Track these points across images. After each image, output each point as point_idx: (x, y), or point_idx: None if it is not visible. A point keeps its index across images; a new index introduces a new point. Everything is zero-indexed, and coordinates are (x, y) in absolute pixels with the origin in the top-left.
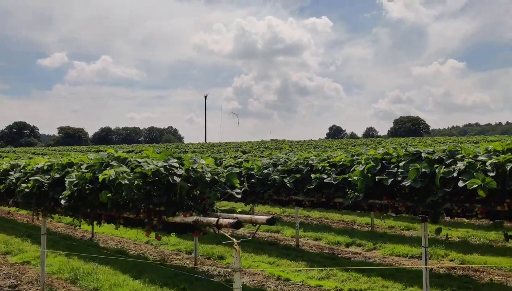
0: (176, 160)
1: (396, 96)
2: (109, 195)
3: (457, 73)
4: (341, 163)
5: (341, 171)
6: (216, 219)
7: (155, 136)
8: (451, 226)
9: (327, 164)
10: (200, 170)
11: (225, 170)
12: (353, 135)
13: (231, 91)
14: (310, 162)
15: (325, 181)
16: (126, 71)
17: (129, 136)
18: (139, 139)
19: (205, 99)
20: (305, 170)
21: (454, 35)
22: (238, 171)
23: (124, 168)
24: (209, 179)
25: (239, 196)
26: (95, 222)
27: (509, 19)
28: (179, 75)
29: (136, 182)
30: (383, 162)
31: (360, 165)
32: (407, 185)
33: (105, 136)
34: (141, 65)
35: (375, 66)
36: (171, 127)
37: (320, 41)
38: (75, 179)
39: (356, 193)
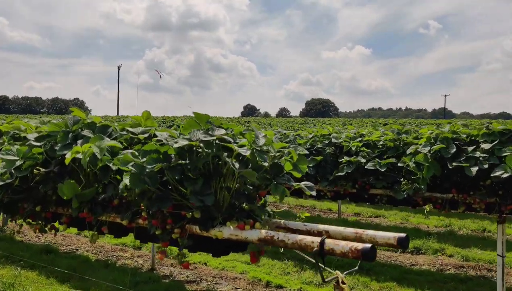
0: (224, 131)
1: (306, 79)
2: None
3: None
4: (380, 142)
5: (380, 154)
6: (316, 240)
7: (60, 107)
8: None
9: (361, 144)
10: (265, 149)
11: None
12: (266, 115)
13: (143, 65)
14: (334, 140)
15: (366, 166)
16: (25, 36)
17: (30, 106)
18: (42, 110)
19: (119, 70)
20: (328, 151)
21: (362, 23)
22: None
23: (114, 143)
24: (270, 165)
25: (314, 193)
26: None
27: (411, 11)
28: (85, 45)
29: (150, 169)
30: (456, 143)
31: (423, 146)
32: (503, 176)
33: (1, 106)
34: (42, 30)
35: (287, 47)
36: (77, 99)
37: (236, 18)
38: (16, 158)
39: (416, 184)
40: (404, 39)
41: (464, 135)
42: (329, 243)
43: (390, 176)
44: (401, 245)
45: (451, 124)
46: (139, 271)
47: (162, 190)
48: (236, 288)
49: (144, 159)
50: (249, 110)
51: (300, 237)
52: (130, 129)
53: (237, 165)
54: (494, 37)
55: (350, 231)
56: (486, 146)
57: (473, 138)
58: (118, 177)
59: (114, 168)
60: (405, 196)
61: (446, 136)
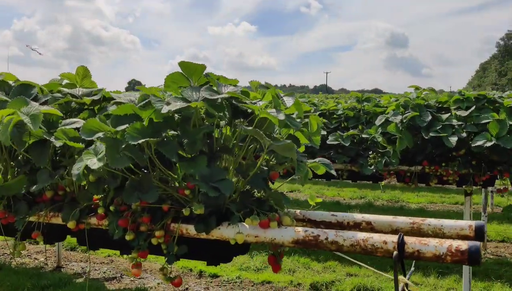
0: (233, 87)
1: (193, 54)
2: None
3: (249, 36)
4: (339, 112)
5: (338, 124)
6: (390, 239)
7: None
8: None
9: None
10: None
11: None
12: None
13: (10, 35)
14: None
15: (328, 141)
16: None
17: None
18: None
19: None
20: None
21: None
22: None
23: (51, 109)
24: (288, 136)
25: (334, 172)
26: None
27: None
28: None
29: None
30: (428, 110)
31: (393, 115)
32: (487, 145)
33: None
34: None
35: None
36: None
37: None
38: None
39: (387, 158)
40: (287, 17)
41: (433, 102)
42: (413, 243)
43: (352, 149)
44: (478, 235)
45: (418, 90)
46: (42, 271)
47: (136, 174)
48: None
49: (120, 128)
50: (134, 86)
51: (361, 235)
52: (67, 90)
53: (266, 141)
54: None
55: (403, 220)
56: (463, 113)
57: (443, 105)
58: (60, 159)
59: (58, 144)
60: (373, 171)
61: (419, 103)
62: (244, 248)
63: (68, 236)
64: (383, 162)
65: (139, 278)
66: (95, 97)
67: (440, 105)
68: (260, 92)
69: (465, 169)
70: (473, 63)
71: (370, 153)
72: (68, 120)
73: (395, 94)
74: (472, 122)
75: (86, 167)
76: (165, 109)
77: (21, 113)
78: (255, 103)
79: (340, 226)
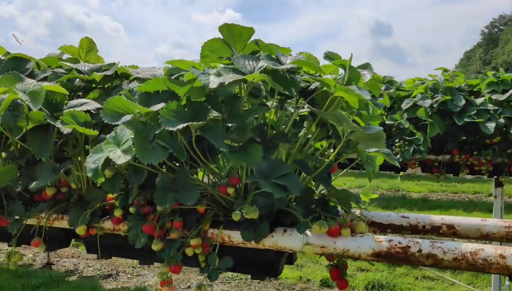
0: (297, 56)
1: (178, 41)
2: None
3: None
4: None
5: None
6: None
7: None
8: None
9: None
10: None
11: None
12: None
13: None
14: None
15: None
16: None
17: None
18: None
19: None
20: None
21: None
22: None
23: (54, 86)
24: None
25: (397, 163)
26: None
27: None
28: None
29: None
30: (461, 94)
31: (421, 98)
32: None
33: None
34: None
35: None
36: None
37: None
38: None
39: (414, 146)
40: (271, 5)
41: (464, 86)
42: None
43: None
44: None
45: (447, 72)
46: (32, 268)
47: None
48: None
49: (155, 108)
50: None
51: (467, 247)
52: (72, 65)
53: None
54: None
55: (495, 224)
56: (499, 97)
57: (473, 89)
58: (63, 149)
59: (66, 130)
60: (400, 160)
61: (450, 86)
62: (291, 257)
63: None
64: (411, 150)
65: (137, 276)
66: (108, 73)
67: (470, 89)
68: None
69: (501, 157)
70: (457, 51)
71: (396, 141)
72: (75, 101)
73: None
74: (510, 107)
75: (106, 161)
76: (213, 83)
77: (17, 90)
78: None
79: (413, 230)
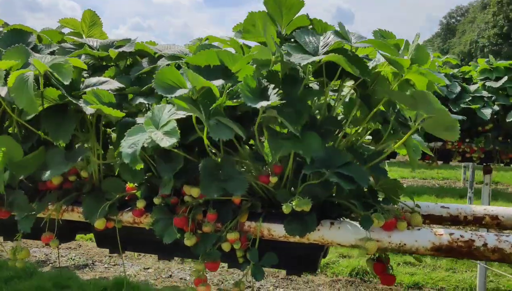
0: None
1: (137, 24)
2: None
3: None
4: None
5: None
6: None
7: None
8: None
9: None
10: None
11: None
12: None
13: None
14: None
15: None
16: None
17: None
18: None
19: None
20: None
21: None
22: None
23: (75, 60)
24: None
25: (429, 151)
26: None
27: None
28: None
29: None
30: (456, 81)
31: None
32: None
33: None
34: None
35: None
36: None
37: None
38: None
39: None
40: None
41: (457, 72)
42: None
43: None
44: None
45: (440, 59)
46: (0, 260)
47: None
48: (145, 268)
49: (217, 83)
50: None
51: None
52: (81, 40)
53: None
54: None
55: None
56: (493, 84)
57: (464, 76)
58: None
59: (89, 110)
60: None
61: (445, 72)
62: (326, 250)
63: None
64: None
65: (114, 265)
66: (127, 49)
67: (462, 76)
68: None
69: (492, 145)
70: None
71: None
72: (94, 79)
73: None
74: (505, 94)
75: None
76: (298, 58)
77: (36, 60)
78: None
79: (454, 221)
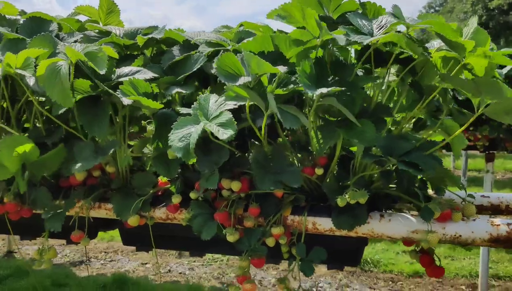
0: None
1: None
2: None
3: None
4: None
5: None
6: None
7: None
8: None
9: None
10: None
11: None
12: None
13: None
14: None
15: None
16: None
17: None
18: None
19: None
20: None
21: None
22: None
23: (109, 48)
24: None
25: None
26: None
27: None
28: None
29: None
30: None
31: None
32: None
33: None
34: None
35: None
36: None
37: None
38: None
39: None
40: None
41: None
42: None
43: None
44: None
45: None
46: None
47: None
48: (142, 263)
49: (282, 69)
50: None
51: None
52: (105, 28)
53: None
54: None
55: None
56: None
57: None
58: None
59: (127, 101)
60: None
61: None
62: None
63: None
64: None
65: (110, 261)
66: (157, 36)
67: None
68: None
69: (497, 132)
70: None
71: None
72: (126, 69)
73: None
74: (507, 81)
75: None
76: (357, 38)
77: (71, 51)
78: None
79: (495, 210)
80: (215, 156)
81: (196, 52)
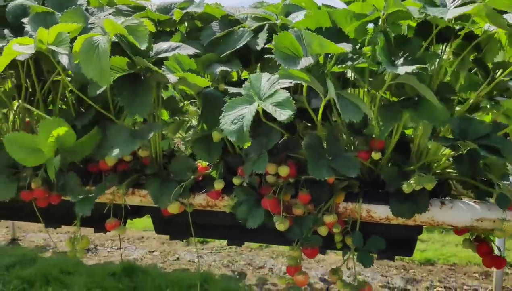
0: None
1: None
2: None
3: None
4: None
5: None
6: None
7: None
8: None
9: None
10: None
11: None
12: None
13: None
14: None
15: None
16: None
17: None
18: None
19: None
20: None
21: None
22: None
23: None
24: None
25: None
26: None
27: None
28: None
29: None
30: None
31: None
32: None
33: None
34: None
35: None
36: None
37: None
38: None
39: None
40: None
41: None
42: None
43: None
44: None
45: None
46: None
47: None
48: (150, 251)
49: (345, 47)
50: None
51: None
52: (138, 1)
53: None
54: None
55: None
56: None
57: None
58: None
59: (173, 78)
60: None
61: None
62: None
63: None
64: None
65: (117, 249)
66: (197, 9)
67: None
68: None
69: None
70: None
71: None
72: (165, 44)
73: None
74: None
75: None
76: (436, 12)
77: (111, 24)
78: None
79: None
80: (263, 138)
81: (239, 28)
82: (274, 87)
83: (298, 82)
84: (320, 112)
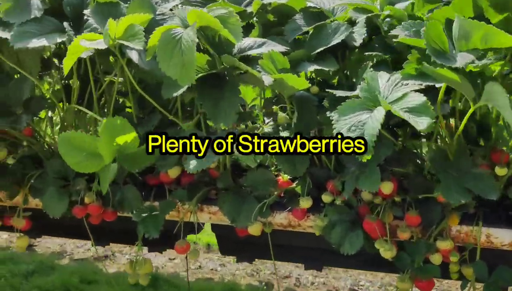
0: None
1: None
2: None
3: None
4: None
5: None
6: None
7: None
8: None
9: None
10: None
11: None
12: None
13: None
14: None
15: None
16: None
17: None
18: None
19: None
20: None
21: None
22: None
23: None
24: None
25: None
26: None
27: None
28: None
29: None
30: None
31: None
32: None
33: None
34: None
35: None
36: None
37: None
38: None
39: None
40: None
41: None
42: None
43: None
44: None
45: None
46: (11, 251)
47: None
48: (170, 259)
49: None
50: None
51: None
52: None
53: None
54: None
55: None
56: None
57: None
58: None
59: (268, 80)
60: None
61: None
62: None
63: None
64: None
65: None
66: (280, 0)
67: None
68: None
69: None
70: None
71: None
72: (249, 40)
73: None
74: None
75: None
76: None
77: (196, 14)
78: None
79: None
80: (381, 150)
81: (332, 20)
82: (400, 90)
83: (431, 83)
84: (463, 123)
